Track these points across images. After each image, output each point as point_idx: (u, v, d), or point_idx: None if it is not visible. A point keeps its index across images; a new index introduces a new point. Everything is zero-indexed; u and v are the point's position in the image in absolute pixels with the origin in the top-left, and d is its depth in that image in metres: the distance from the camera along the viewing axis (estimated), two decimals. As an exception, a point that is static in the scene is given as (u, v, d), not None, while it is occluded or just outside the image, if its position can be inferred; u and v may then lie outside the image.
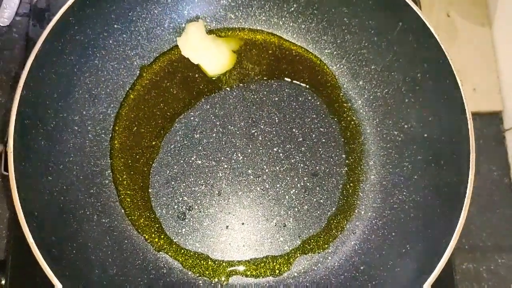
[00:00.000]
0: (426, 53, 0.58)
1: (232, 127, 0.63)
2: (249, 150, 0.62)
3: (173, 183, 0.61)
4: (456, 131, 0.55)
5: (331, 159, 0.63)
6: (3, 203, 0.63)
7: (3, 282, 0.59)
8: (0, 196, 0.63)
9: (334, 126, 0.64)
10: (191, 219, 0.60)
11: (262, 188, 0.61)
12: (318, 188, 0.62)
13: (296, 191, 0.61)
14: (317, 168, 0.62)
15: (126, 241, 0.58)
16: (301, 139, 0.63)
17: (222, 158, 0.62)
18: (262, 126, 0.63)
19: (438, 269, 0.49)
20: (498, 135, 0.69)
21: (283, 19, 0.66)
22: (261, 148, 0.63)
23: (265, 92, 0.65)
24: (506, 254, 0.63)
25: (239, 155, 0.62)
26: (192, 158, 0.62)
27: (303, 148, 0.63)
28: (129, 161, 0.61)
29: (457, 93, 0.54)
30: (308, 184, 0.62)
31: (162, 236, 0.59)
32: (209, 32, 0.66)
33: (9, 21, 0.70)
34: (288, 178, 0.62)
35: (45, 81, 0.54)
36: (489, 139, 0.68)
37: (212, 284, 0.58)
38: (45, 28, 0.53)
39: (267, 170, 0.62)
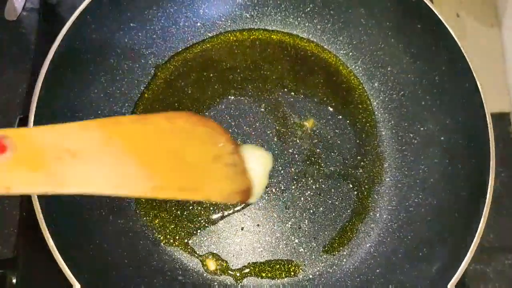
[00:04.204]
0: (444, 55, 0.57)
1: (247, 128, 0.63)
2: (264, 152, 0.62)
3: (188, 183, 0.60)
4: (475, 135, 0.54)
5: (346, 161, 0.62)
6: (12, 200, 0.62)
7: (14, 280, 0.58)
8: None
9: (349, 128, 0.64)
10: (207, 220, 0.59)
11: (277, 189, 0.61)
12: (333, 190, 0.61)
13: (311, 193, 0.61)
14: (332, 170, 0.62)
15: (141, 242, 0.57)
16: (316, 140, 0.63)
17: (237, 159, 0.61)
18: (277, 127, 0.63)
19: (457, 275, 0.49)
20: (506, 136, 0.69)
21: (299, 19, 0.66)
22: (276, 149, 0.62)
23: (280, 93, 0.64)
24: (513, 255, 0.63)
25: (254, 156, 0.62)
26: (207, 159, 0.61)
27: (318, 150, 0.62)
28: (144, 161, 0.61)
29: (477, 96, 0.53)
30: (323, 186, 0.61)
31: (177, 237, 0.59)
32: (226, 32, 0.66)
33: (16, 16, 0.69)
34: (303, 180, 0.61)
35: (62, 80, 0.53)
36: (497, 140, 0.67)
37: (227, 285, 0.57)
38: (63, 26, 0.52)
39: (282, 172, 0.61)
